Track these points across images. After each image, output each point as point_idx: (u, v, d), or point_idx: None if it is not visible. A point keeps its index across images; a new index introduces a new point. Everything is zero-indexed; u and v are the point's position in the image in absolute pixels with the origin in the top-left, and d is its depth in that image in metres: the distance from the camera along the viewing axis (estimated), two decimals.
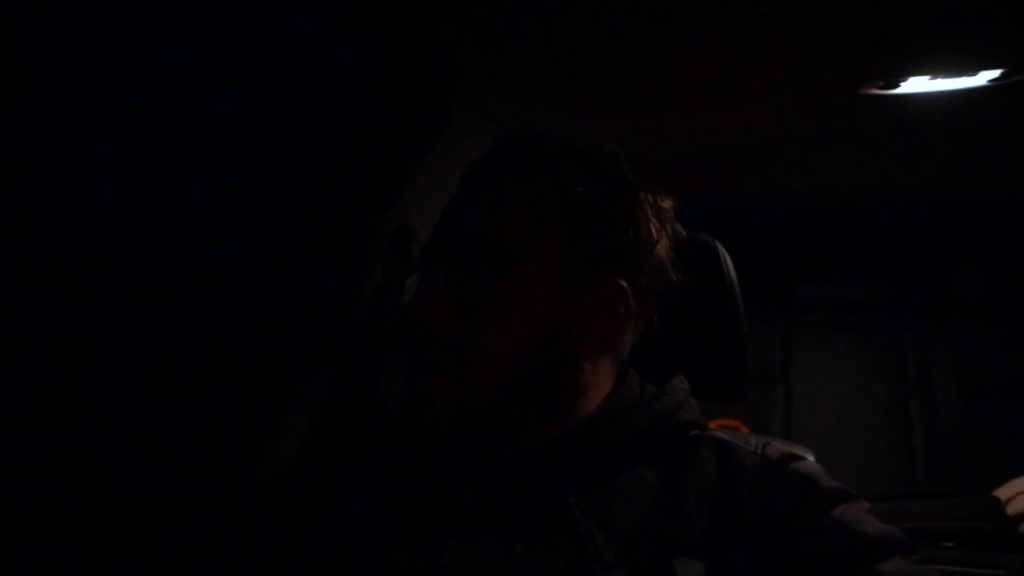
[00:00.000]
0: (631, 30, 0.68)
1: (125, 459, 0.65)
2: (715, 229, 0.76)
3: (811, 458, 0.58)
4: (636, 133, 1.02)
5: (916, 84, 0.83)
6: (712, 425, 0.57)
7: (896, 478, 1.64)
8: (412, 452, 0.53)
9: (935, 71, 0.80)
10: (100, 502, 0.62)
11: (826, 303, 1.94)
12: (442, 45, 0.70)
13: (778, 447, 0.52)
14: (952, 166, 1.19)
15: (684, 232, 0.59)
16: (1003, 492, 0.97)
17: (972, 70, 0.79)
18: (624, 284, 0.53)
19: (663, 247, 0.55)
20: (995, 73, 0.79)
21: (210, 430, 0.65)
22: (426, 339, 0.49)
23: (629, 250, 0.53)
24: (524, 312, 0.50)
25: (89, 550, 0.60)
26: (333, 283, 0.70)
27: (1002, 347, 1.70)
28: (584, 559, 0.44)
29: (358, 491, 0.53)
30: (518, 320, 0.50)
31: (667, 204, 0.56)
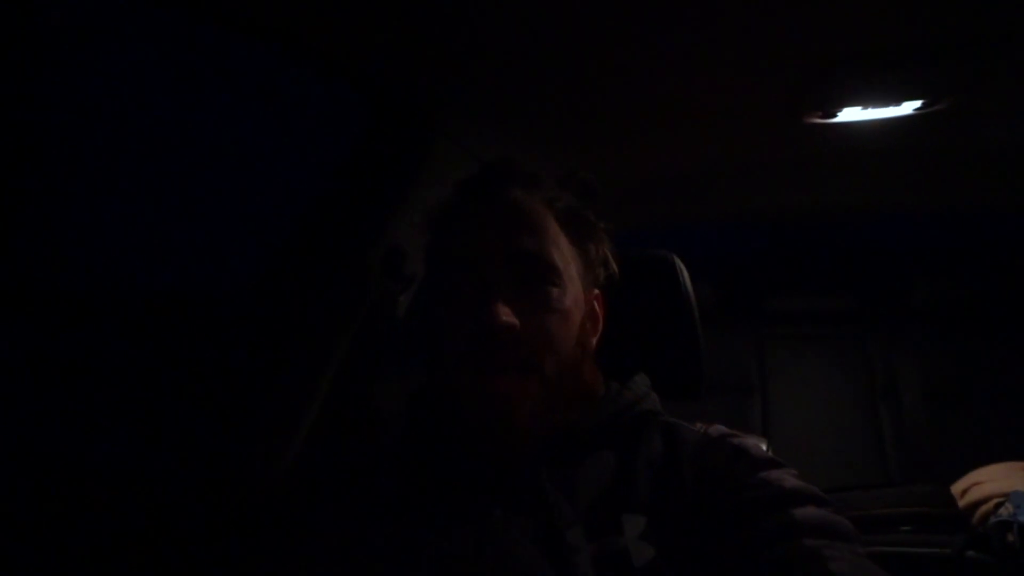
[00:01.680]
0: (596, 72, 0.76)
1: (143, 465, 0.69)
2: (690, 251, 0.83)
3: (764, 446, 0.64)
4: (605, 162, 1.10)
5: (851, 114, 0.94)
6: None
7: (868, 476, 1.70)
8: (480, 448, 0.55)
9: (866, 102, 0.90)
10: (118, 504, 0.66)
11: (797, 316, 2.04)
12: (424, 90, 0.78)
13: (720, 428, 0.60)
14: (888, 186, 1.30)
15: (645, 250, 0.68)
16: (960, 484, 1.05)
17: (897, 101, 0.89)
18: (599, 293, 0.63)
19: (612, 263, 0.65)
20: (917, 103, 0.90)
21: (221, 437, 0.70)
22: (511, 342, 0.53)
23: (596, 265, 0.63)
24: (573, 318, 0.57)
25: (106, 550, 0.64)
26: (333, 301, 0.75)
27: (961, 351, 1.80)
28: (550, 519, 0.51)
29: (357, 486, 0.58)
30: (571, 323, 0.57)
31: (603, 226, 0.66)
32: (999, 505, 0.90)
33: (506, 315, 0.53)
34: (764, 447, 0.63)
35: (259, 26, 0.61)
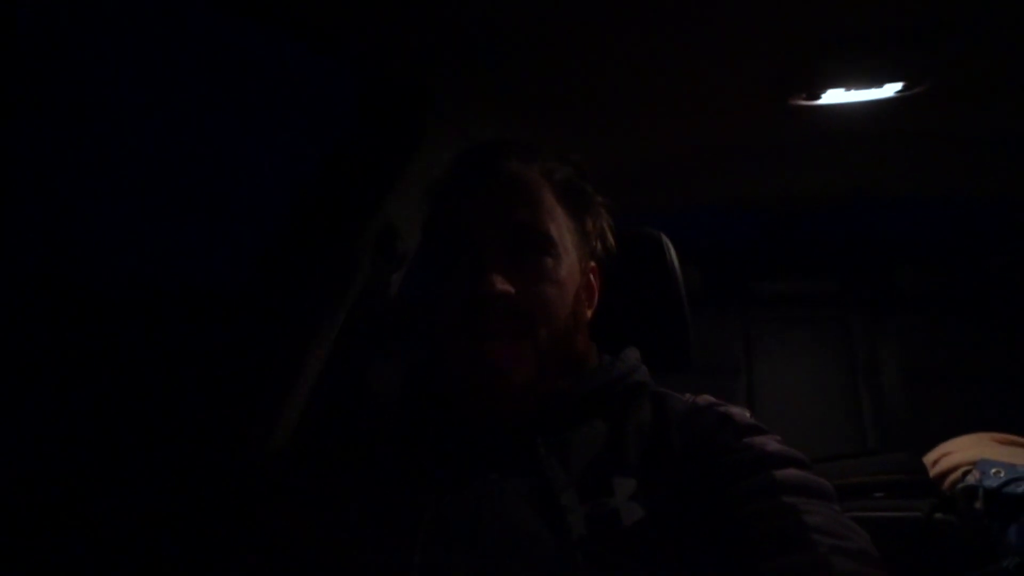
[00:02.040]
0: (584, 57, 0.78)
1: (144, 445, 0.71)
2: (678, 235, 0.85)
3: (748, 415, 0.67)
4: (594, 148, 1.12)
5: (835, 96, 0.96)
6: None
7: (846, 450, 1.76)
8: (475, 414, 0.56)
9: (848, 84, 0.93)
10: (118, 487, 0.68)
11: (783, 299, 2.08)
12: (418, 70, 0.78)
13: (708, 398, 0.62)
14: (872, 171, 1.33)
15: (633, 228, 0.69)
16: (931, 455, 1.10)
17: (878, 83, 0.91)
18: (595, 266, 0.65)
19: (610, 237, 0.67)
20: (898, 86, 0.92)
21: (215, 418, 0.71)
22: (504, 309, 0.54)
23: (592, 238, 0.65)
24: (567, 288, 0.58)
25: (103, 532, 0.65)
26: (326, 281, 0.76)
27: (939, 334, 1.86)
28: (544, 481, 0.53)
29: (354, 456, 0.60)
30: (565, 293, 0.58)
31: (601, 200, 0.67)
32: (967, 473, 0.95)
33: (500, 283, 0.54)
34: (748, 415, 0.65)
35: (250, 3, 0.61)
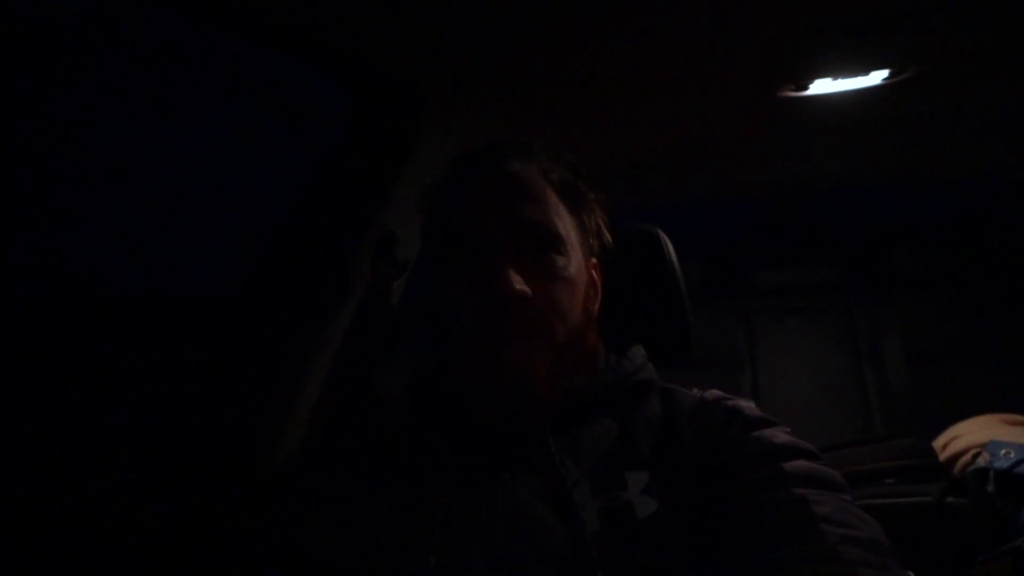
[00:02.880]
0: (577, 53, 0.78)
1: (151, 455, 0.71)
2: (675, 229, 0.85)
3: (755, 408, 0.67)
4: (588, 145, 1.12)
5: (822, 86, 0.96)
6: None
7: (855, 436, 1.76)
8: (493, 416, 0.56)
9: (836, 73, 0.93)
10: (128, 494, 0.68)
11: (783, 288, 2.08)
12: (408, 75, 0.79)
13: (716, 393, 0.62)
14: (864, 157, 1.33)
15: (630, 224, 0.70)
16: (940, 439, 1.09)
17: (864, 71, 0.92)
18: (595, 262, 0.65)
19: (606, 233, 0.67)
20: (884, 73, 0.92)
21: (225, 427, 0.71)
22: (522, 310, 0.53)
23: (591, 235, 0.65)
24: (578, 285, 0.59)
25: (119, 535, 0.65)
26: (328, 290, 0.76)
27: (940, 314, 1.86)
28: (556, 478, 0.53)
29: (365, 458, 0.60)
30: (576, 290, 0.58)
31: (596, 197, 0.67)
32: (977, 455, 0.95)
33: (518, 283, 0.53)
34: (756, 409, 0.65)
35: (236, 14, 0.61)
